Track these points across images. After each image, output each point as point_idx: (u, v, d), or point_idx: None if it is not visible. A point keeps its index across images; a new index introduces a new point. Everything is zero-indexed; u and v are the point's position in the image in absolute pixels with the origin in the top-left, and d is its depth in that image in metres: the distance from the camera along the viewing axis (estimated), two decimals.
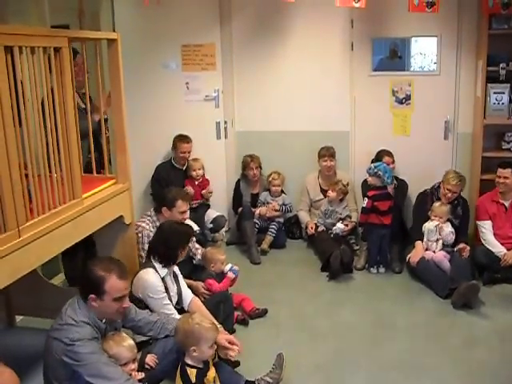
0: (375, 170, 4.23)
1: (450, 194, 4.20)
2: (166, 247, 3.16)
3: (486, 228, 4.23)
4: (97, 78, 3.04)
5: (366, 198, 4.29)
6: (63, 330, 2.30)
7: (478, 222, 4.30)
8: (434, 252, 4.11)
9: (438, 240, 4.13)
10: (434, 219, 4.15)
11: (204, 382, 2.54)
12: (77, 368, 2.26)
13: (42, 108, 2.38)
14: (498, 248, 4.10)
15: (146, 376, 2.54)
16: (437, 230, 4.11)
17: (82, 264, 3.95)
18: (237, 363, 2.94)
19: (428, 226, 4.15)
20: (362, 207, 4.33)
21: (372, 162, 4.65)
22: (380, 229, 4.30)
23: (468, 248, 4.07)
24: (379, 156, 4.76)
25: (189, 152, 4.91)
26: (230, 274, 3.62)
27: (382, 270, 4.38)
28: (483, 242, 4.20)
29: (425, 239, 4.17)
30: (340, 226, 4.57)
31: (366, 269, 4.42)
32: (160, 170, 4.96)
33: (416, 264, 4.10)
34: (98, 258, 2.58)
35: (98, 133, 3.56)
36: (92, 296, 2.36)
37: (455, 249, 4.09)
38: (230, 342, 2.74)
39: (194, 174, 4.90)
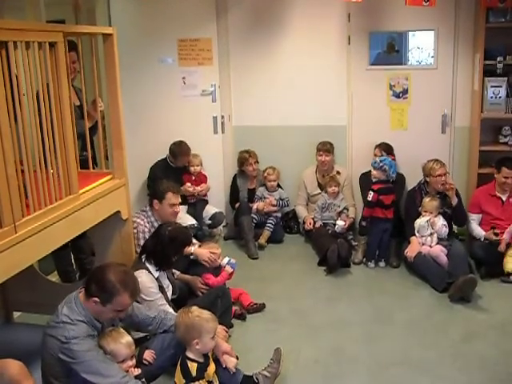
0: (381, 164, 4.22)
1: (443, 178, 4.24)
2: (163, 254, 3.14)
3: (474, 219, 4.33)
4: (92, 76, 3.01)
5: (371, 192, 4.24)
6: (59, 328, 2.29)
7: (468, 213, 4.36)
8: (431, 246, 4.11)
9: (432, 234, 4.13)
10: (425, 215, 4.15)
11: (204, 377, 2.54)
12: (73, 366, 2.25)
13: (38, 103, 2.36)
14: (479, 232, 4.24)
15: (143, 372, 2.54)
16: (429, 225, 4.11)
17: (74, 258, 3.96)
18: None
19: (419, 221, 4.15)
20: (368, 201, 4.28)
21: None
22: (383, 223, 4.31)
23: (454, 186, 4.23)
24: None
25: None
26: (228, 268, 3.62)
27: (382, 264, 4.38)
28: (470, 231, 4.31)
29: (417, 235, 4.17)
30: (340, 223, 4.54)
31: (364, 263, 4.43)
32: (156, 171, 4.87)
33: (413, 258, 4.11)
34: (113, 265, 2.46)
35: (92, 132, 3.53)
36: (95, 299, 2.35)
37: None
38: (227, 353, 2.72)
39: (192, 169, 4.89)
